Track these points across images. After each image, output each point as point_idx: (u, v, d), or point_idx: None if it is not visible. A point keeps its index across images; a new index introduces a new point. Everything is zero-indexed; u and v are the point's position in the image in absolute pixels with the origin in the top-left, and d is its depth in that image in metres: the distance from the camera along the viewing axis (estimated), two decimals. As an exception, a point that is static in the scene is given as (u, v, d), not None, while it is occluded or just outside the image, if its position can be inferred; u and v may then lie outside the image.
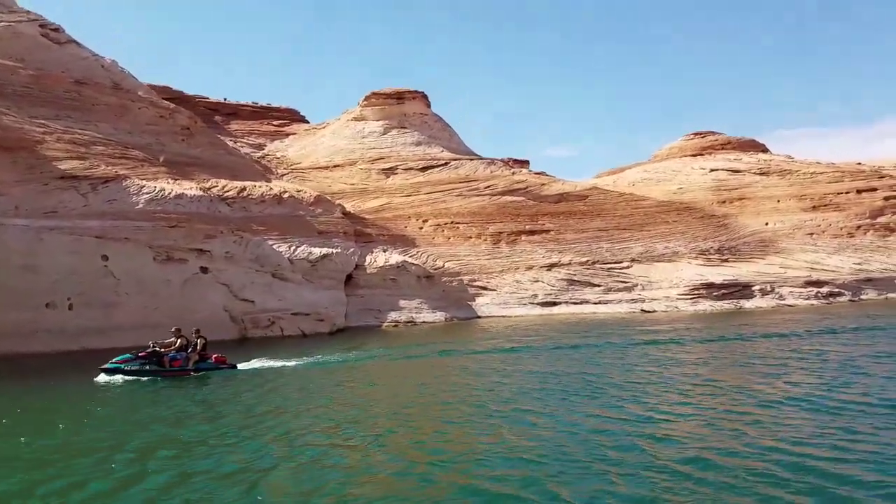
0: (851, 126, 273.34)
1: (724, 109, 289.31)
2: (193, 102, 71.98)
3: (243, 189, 43.93)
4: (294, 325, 37.46)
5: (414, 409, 16.10)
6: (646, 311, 47.39)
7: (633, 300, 49.39)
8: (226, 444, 12.78)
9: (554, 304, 48.30)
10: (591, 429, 13.04)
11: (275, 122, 74.30)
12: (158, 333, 33.92)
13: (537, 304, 48.02)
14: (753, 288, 51.34)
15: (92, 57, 48.18)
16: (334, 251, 43.19)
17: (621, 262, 53.57)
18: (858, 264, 56.12)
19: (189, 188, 39.95)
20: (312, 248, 42.34)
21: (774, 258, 56.86)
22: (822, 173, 64.81)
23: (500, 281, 49.71)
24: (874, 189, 62.46)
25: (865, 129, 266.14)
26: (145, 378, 21.90)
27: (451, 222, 54.23)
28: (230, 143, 63.68)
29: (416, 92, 67.99)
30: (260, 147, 68.46)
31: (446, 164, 61.77)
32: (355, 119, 67.08)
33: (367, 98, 67.64)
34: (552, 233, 55.38)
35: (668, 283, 51.23)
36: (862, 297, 52.92)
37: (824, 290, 52.56)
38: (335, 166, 61.62)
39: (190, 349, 23.46)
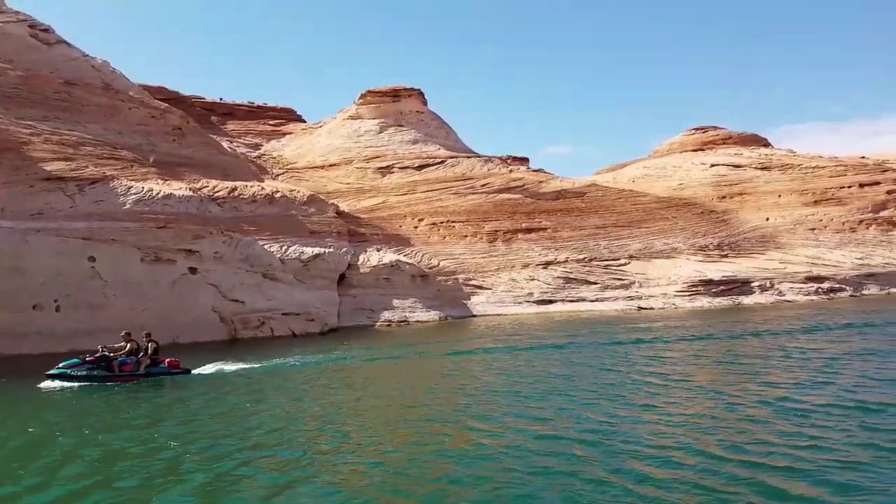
0: (858, 120, 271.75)
1: (729, 106, 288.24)
2: (189, 103, 71.75)
3: (234, 189, 43.55)
4: (284, 325, 37.04)
5: (367, 416, 15.11)
6: (643, 309, 46.86)
7: (630, 297, 48.85)
8: (146, 455, 12.10)
9: (550, 302, 47.80)
10: (547, 433, 12.57)
11: (271, 122, 73.97)
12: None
13: (533, 302, 47.52)
14: (752, 284, 50.74)
15: (82, 57, 47.81)
16: (327, 251, 42.77)
17: (618, 259, 53.03)
18: (860, 259, 55.44)
19: (178, 188, 39.58)
20: (304, 248, 41.93)
21: (775, 253, 56.23)
22: (824, 167, 64.12)
23: (495, 279, 49.22)
24: (877, 183, 61.75)
25: (872, 123, 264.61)
26: (93, 383, 21.19)
27: (447, 221, 53.77)
28: (226, 144, 63.37)
29: (412, 89, 67.50)
30: (256, 147, 68.12)
31: (442, 162, 61.27)
32: (351, 118, 66.66)
33: (362, 96, 67.20)
34: (549, 230, 54.87)
35: (666, 280, 50.67)
36: (864, 292, 52.28)
37: (825, 285, 51.93)
38: (331, 165, 61.20)
39: (141, 353, 22.64)
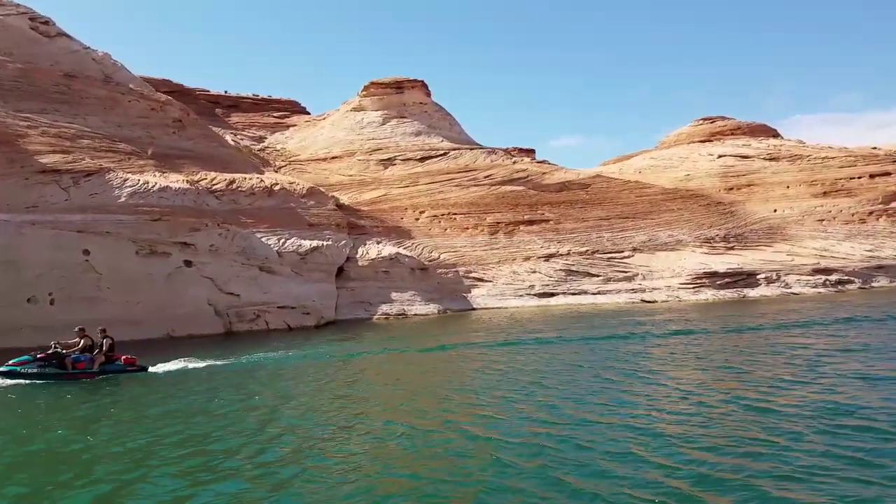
0: (871, 111, 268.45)
1: (742, 97, 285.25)
2: (194, 95, 71.74)
3: (233, 181, 43.41)
4: (280, 318, 36.86)
5: (314, 421, 14.13)
6: (646, 301, 46.36)
7: (634, 290, 48.33)
8: (62, 461, 11.61)
9: (551, 294, 47.38)
10: (503, 433, 12.24)
11: (275, 114, 73.81)
12: (142, 329, 33.79)
13: (534, 295, 47.12)
14: (758, 276, 50.07)
15: (83, 50, 47.74)
16: (325, 243, 42.56)
17: (622, 252, 52.50)
18: (870, 251, 54.56)
19: (175, 181, 39.43)
20: (302, 241, 41.75)
21: (782, 245, 55.46)
22: (833, 158, 63.11)
23: (496, 272, 48.86)
24: (888, 174, 60.70)
25: (886, 114, 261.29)
26: (43, 381, 20.43)
27: (449, 213, 53.42)
28: (230, 136, 63.31)
29: (415, 81, 67.06)
30: (260, 139, 68.02)
31: (445, 153, 60.86)
32: (354, 109, 66.36)
33: (366, 88, 66.84)
34: (551, 222, 54.40)
35: (670, 273, 50.10)
36: (873, 284, 51.45)
37: (833, 277, 51.14)
38: (333, 158, 60.95)
39: (96, 351, 21.84)
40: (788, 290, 48.80)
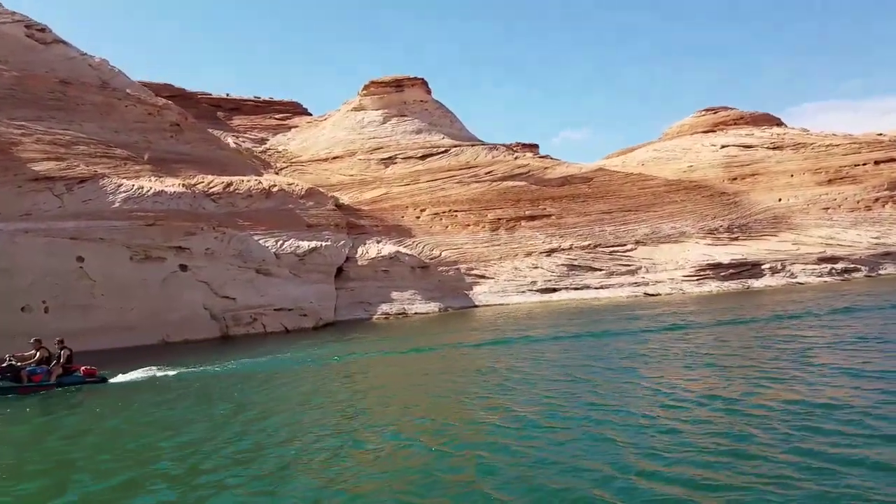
0: (879, 96, 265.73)
1: (749, 86, 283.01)
2: (195, 99, 71.79)
3: (230, 184, 43.30)
4: (276, 321, 36.70)
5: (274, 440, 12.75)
6: (649, 295, 45.91)
7: (637, 283, 47.88)
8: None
9: (553, 290, 47.02)
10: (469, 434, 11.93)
11: (277, 116, 73.77)
12: (136, 335, 33.72)
13: (536, 290, 46.78)
14: (763, 267, 49.50)
15: (80, 56, 47.72)
16: (323, 244, 42.38)
17: (625, 245, 52.03)
18: (876, 238, 53.80)
19: (171, 185, 39.33)
20: (301, 242, 41.58)
21: (787, 235, 54.82)
22: (838, 145, 62.33)
23: (498, 268, 48.54)
24: (893, 160, 59.84)
25: (892, 100, 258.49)
26: None
27: (450, 210, 53.13)
28: (231, 139, 63.30)
29: (415, 79, 66.79)
30: (262, 141, 67.93)
31: (446, 151, 60.56)
32: (355, 109, 66.18)
33: (366, 87, 66.63)
34: (553, 217, 54.00)
35: (674, 265, 49.62)
36: (880, 272, 50.74)
37: (839, 266, 50.48)
38: (334, 158, 60.79)
39: (53, 362, 21.12)
40: (794, 280, 48.22)
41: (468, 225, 52.13)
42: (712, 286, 46.74)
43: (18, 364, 20.70)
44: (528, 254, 49.94)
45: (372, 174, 57.97)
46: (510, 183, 56.84)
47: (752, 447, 10.09)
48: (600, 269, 49.22)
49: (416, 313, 41.73)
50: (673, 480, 8.89)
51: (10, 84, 40.97)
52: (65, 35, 48.56)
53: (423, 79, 67.11)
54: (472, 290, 46.54)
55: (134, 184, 37.46)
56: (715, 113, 73.25)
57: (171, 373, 22.14)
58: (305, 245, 41.37)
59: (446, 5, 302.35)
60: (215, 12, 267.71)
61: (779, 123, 72.07)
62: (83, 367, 21.45)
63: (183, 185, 40.30)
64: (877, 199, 57.19)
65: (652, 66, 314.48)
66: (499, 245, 50.56)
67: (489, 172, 57.73)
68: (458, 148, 61.20)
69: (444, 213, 52.91)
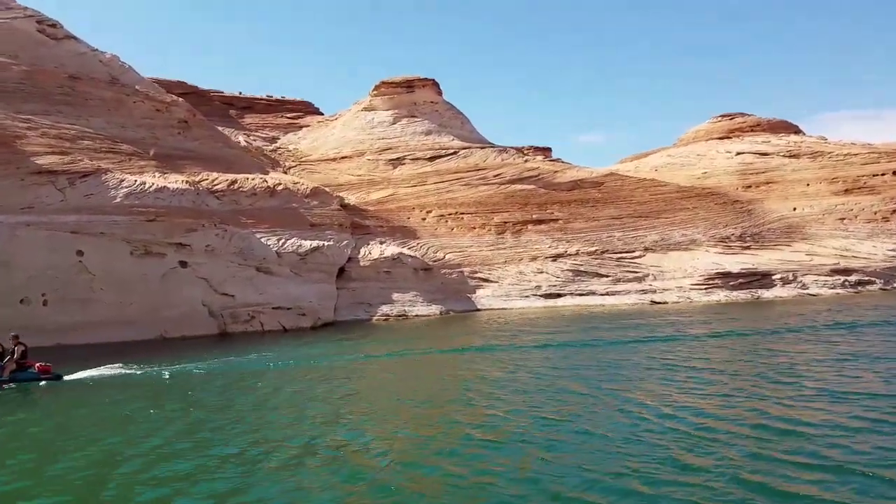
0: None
1: (766, 93, 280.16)
2: (208, 97, 71.99)
3: (234, 181, 43.22)
4: (274, 319, 36.51)
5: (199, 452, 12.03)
6: (655, 303, 45.31)
7: (643, 291, 47.26)
8: None
9: (558, 295, 46.51)
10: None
11: (288, 115, 73.78)
12: (135, 329, 33.67)
13: (540, 295, 46.29)
14: (774, 277, 48.69)
15: (90, 52, 47.88)
16: (325, 244, 42.16)
17: (633, 252, 51.40)
18: (893, 250, 52.79)
19: (174, 181, 39.28)
20: (303, 241, 41.39)
21: (801, 245, 53.94)
22: (856, 154, 61.22)
23: (502, 272, 48.09)
24: (913, 170, 58.75)
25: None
26: None
27: (456, 213, 52.77)
28: (242, 137, 63.39)
29: (426, 79, 66.49)
30: (273, 140, 67.94)
31: (455, 152, 60.20)
32: (365, 109, 65.99)
33: (376, 87, 66.43)
34: (560, 221, 53.48)
35: (682, 273, 48.92)
36: (895, 285, 49.76)
37: (853, 278, 49.55)
38: (343, 158, 60.65)
39: (6, 358, 20.91)
40: (805, 291, 47.39)
41: (474, 227, 51.73)
42: (720, 295, 46.03)
43: None
44: (534, 258, 49.45)
45: (380, 175, 57.74)
46: (518, 186, 56.38)
47: (676, 469, 9.75)
48: (607, 276, 48.64)
49: (416, 315, 41.39)
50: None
51: (20, 78, 41.14)
52: (83, 32, 48.72)
53: (433, 80, 66.79)
54: (475, 293, 46.14)
55: (137, 179, 37.45)
56: (731, 119, 72.30)
57: (137, 371, 21.81)
58: (307, 244, 41.17)
59: (466, 7, 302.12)
60: (237, 11, 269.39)
61: (797, 131, 71.01)
62: (38, 364, 21.15)
63: (187, 181, 40.25)
64: (894, 211, 56.10)
65: (672, 71, 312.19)
66: (504, 249, 50.12)
67: (498, 175, 57.29)
68: (467, 150, 60.83)
69: (450, 215, 52.56)
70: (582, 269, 48.89)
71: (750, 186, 61.23)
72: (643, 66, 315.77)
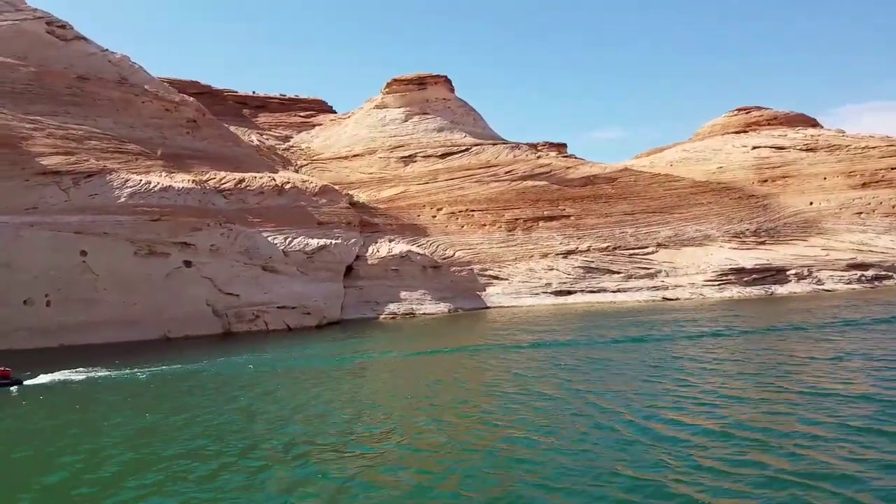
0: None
1: (788, 87, 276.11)
2: (222, 96, 72.12)
3: (242, 180, 43.15)
4: (279, 319, 36.35)
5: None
6: (668, 299, 44.64)
7: (655, 287, 46.58)
8: None
9: (569, 293, 45.97)
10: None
11: (302, 114, 73.69)
12: (138, 329, 33.65)
13: (550, 293, 45.78)
14: (788, 272, 47.80)
15: (100, 52, 48.00)
16: (333, 242, 41.97)
17: (645, 248, 50.69)
18: (912, 245, 51.58)
19: (180, 181, 39.25)
20: (310, 240, 41.23)
21: (817, 239, 52.92)
22: (874, 148, 59.94)
23: (512, 269, 47.63)
24: (934, 163, 57.42)
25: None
26: None
27: (467, 210, 52.36)
28: (256, 136, 63.42)
29: (438, 76, 66.05)
30: (286, 139, 67.92)
31: (467, 149, 59.74)
32: (377, 107, 65.71)
33: (388, 85, 66.13)
34: (572, 218, 52.87)
35: (695, 269, 48.16)
36: (914, 280, 48.64)
37: (869, 273, 48.52)
38: (355, 156, 60.45)
39: None
40: (820, 287, 46.48)
41: (484, 225, 51.30)
42: (733, 291, 45.26)
43: None
44: (544, 255, 48.94)
45: (391, 172, 57.46)
46: (530, 182, 55.82)
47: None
48: (618, 272, 48.01)
49: (424, 314, 41.07)
50: None
51: (28, 79, 41.29)
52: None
53: (445, 76, 66.36)
54: (484, 290, 45.74)
55: (142, 179, 37.43)
56: (747, 113, 71.09)
57: (102, 374, 21.48)
58: (315, 243, 40.99)
59: (485, 4, 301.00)
60: (252, 10, 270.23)
61: (814, 124, 69.66)
62: None
63: (193, 180, 40.21)
64: (914, 205, 54.87)
65: (690, 64, 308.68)
66: (514, 246, 49.65)
67: (509, 172, 56.77)
68: (479, 146, 60.35)
69: (460, 212, 52.17)
70: (593, 265, 48.30)
71: (766, 181, 60.19)
72: (663, 62, 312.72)
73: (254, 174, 45.21)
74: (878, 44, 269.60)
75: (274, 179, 45.28)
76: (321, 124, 71.59)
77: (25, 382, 20.69)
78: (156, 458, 11.45)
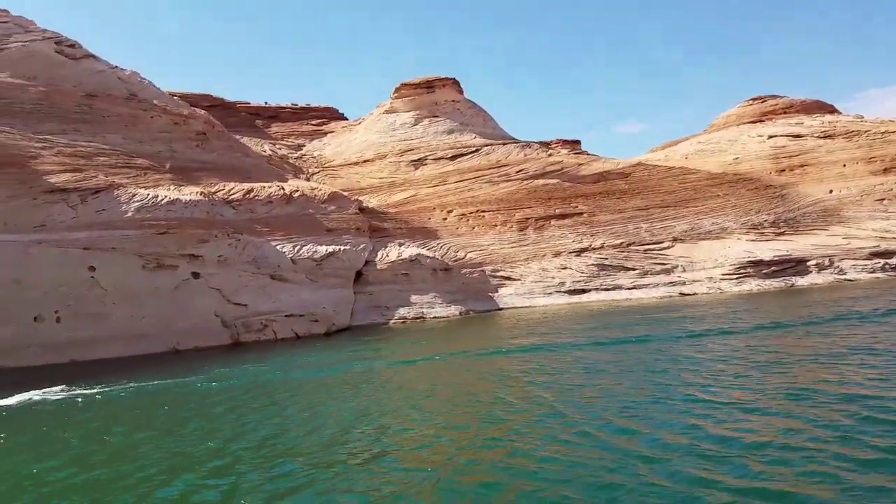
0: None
1: (810, 76, 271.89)
2: (234, 108, 72.65)
3: (250, 191, 43.29)
4: (287, 327, 36.28)
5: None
6: (685, 295, 43.95)
7: (672, 283, 45.87)
8: None
9: (583, 291, 45.41)
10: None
11: (314, 122, 73.94)
12: (147, 343, 33.79)
13: (564, 292, 45.26)
14: (809, 263, 46.82)
15: (109, 69, 48.52)
16: (342, 248, 41.88)
17: (661, 243, 49.95)
18: (938, 230, 50.25)
19: (188, 193, 39.45)
20: (318, 247, 41.19)
21: (838, 228, 51.77)
22: (894, 132, 58.55)
23: (524, 269, 47.19)
24: (957, 146, 55.98)
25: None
26: None
27: (477, 211, 52.03)
28: (268, 146, 63.70)
29: (446, 79, 65.89)
30: (298, 147, 68.13)
31: (477, 150, 59.46)
32: (387, 112, 65.72)
33: (397, 90, 66.12)
34: (585, 215, 52.30)
35: (713, 263, 47.38)
36: (940, 266, 47.35)
37: (893, 260, 47.33)
38: (365, 161, 60.45)
39: None
40: (842, 277, 45.47)
41: (495, 225, 50.92)
42: (752, 285, 44.40)
43: None
44: (557, 254, 48.43)
45: (401, 176, 57.35)
46: (541, 181, 55.37)
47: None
48: (633, 269, 47.35)
49: (434, 317, 40.77)
50: None
51: (37, 99, 41.80)
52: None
53: (454, 78, 66.16)
54: (496, 292, 45.35)
55: (149, 193, 37.66)
56: (763, 102, 69.90)
57: (77, 391, 21.22)
58: (323, 250, 40.94)
59: (500, 7, 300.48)
60: (268, 19, 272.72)
61: (832, 111, 68.31)
62: None
63: (201, 192, 40.40)
64: (937, 188, 53.48)
65: (711, 54, 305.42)
66: (526, 245, 49.20)
67: (520, 171, 56.37)
68: (489, 147, 60.02)
69: (471, 213, 51.85)
70: (607, 262, 47.70)
71: (783, 170, 59.07)
72: (683, 53, 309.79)
73: (262, 184, 45.33)
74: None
75: (283, 188, 45.35)
76: (333, 132, 71.75)
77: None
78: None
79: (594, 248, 48.75)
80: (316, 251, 40.68)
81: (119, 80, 48.00)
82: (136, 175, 40.05)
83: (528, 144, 62.02)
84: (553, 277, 46.39)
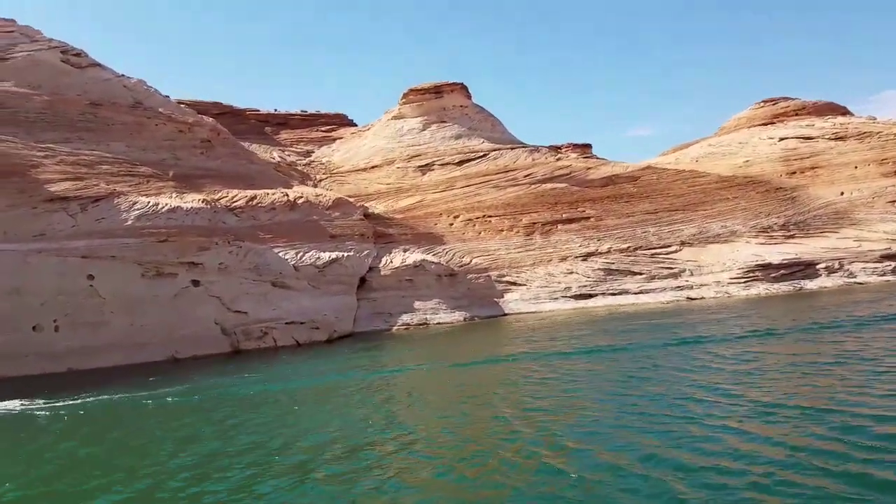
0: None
1: (825, 77, 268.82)
2: (244, 115, 72.86)
3: (253, 197, 43.23)
4: (288, 335, 36.09)
5: None
6: (692, 299, 43.37)
7: (679, 287, 45.31)
8: None
9: (589, 296, 44.96)
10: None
11: (323, 129, 74.01)
12: (146, 352, 33.72)
13: (570, 297, 44.82)
14: (818, 266, 46.11)
15: (115, 78, 48.69)
16: (345, 255, 41.72)
17: (669, 247, 49.36)
18: (950, 233, 49.34)
19: (190, 201, 39.41)
20: (322, 253, 41.04)
21: (849, 231, 50.96)
22: (907, 133, 57.64)
23: (530, 274, 46.79)
24: (971, 146, 55.00)
25: None
26: None
27: (484, 216, 51.70)
28: (277, 153, 63.78)
29: (454, 84, 65.69)
30: (307, 154, 68.20)
31: (485, 155, 59.18)
32: (395, 118, 65.58)
33: (405, 95, 65.96)
34: (592, 219, 51.81)
35: (720, 267, 46.74)
36: (952, 270, 46.46)
37: (905, 263, 46.51)
38: (373, 167, 60.36)
39: None
40: (852, 280, 44.74)
41: (502, 230, 50.55)
42: (760, 289, 43.76)
43: None
44: (563, 258, 47.98)
45: (409, 182, 57.17)
46: (549, 185, 54.96)
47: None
48: (640, 273, 46.82)
49: (438, 323, 40.48)
50: None
51: (41, 108, 41.97)
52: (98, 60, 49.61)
53: (462, 83, 65.95)
54: (502, 297, 44.98)
55: (150, 200, 37.64)
56: (774, 104, 69.08)
57: (37, 404, 20.87)
58: (326, 256, 40.78)
59: (511, 6, 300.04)
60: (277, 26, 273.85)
61: (844, 113, 67.36)
62: None
63: (203, 200, 40.35)
64: (951, 190, 52.53)
65: (722, 57, 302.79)
66: (533, 250, 48.80)
67: (528, 175, 56.00)
68: (497, 151, 59.72)
69: (478, 218, 51.54)
70: (614, 267, 47.19)
71: (794, 173, 58.28)
72: (696, 56, 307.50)
73: (266, 190, 45.27)
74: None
75: (286, 195, 45.27)
76: (342, 138, 71.75)
77: None
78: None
79: (601, 253, 48.27)
80: (319, 258, 40.52)
81: (124, 89, 48.17)
82: (138, 183, 40.06)
83: (536, 149, 61.62)
84: (559, 282, 45.96)
